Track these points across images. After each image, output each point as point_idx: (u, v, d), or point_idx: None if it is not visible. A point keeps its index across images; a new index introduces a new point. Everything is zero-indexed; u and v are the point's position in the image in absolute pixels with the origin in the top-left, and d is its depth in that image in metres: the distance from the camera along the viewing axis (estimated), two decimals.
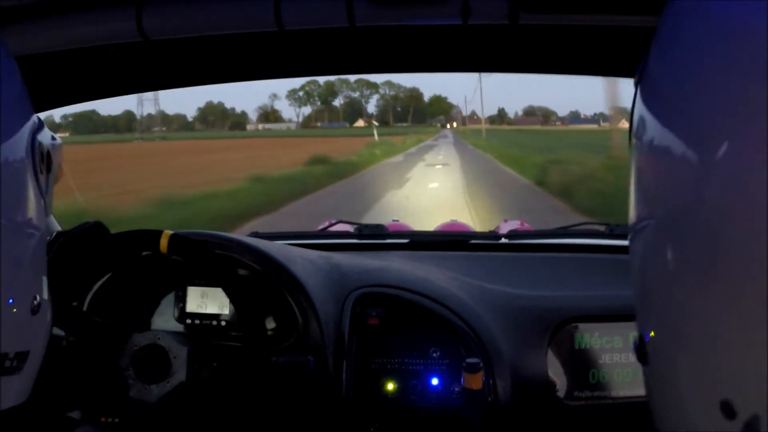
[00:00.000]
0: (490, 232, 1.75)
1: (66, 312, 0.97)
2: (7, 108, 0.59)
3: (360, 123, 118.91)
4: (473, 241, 1.57)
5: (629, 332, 1.13)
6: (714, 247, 0.36)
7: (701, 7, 0.40)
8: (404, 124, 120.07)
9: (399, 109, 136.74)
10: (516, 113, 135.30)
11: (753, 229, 0.33)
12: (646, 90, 0.47)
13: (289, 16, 0.77)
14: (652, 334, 0.47)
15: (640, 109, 0.47)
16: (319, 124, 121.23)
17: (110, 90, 1.10)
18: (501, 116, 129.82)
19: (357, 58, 1.02)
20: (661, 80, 0.44)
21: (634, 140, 0.48)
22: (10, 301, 0.58)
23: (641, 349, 0.49)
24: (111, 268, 1.11)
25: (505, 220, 2.00)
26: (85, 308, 1.10)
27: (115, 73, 1.04)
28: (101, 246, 0.94)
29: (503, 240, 1.57)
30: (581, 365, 1.13)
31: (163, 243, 0.93)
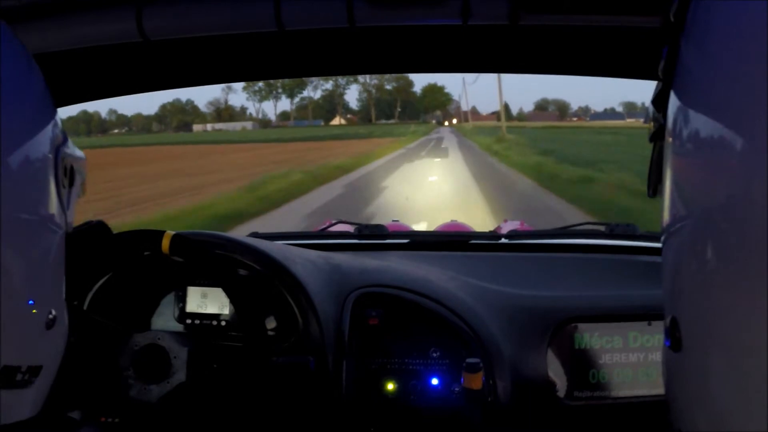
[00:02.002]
0: (491, 232, 1.75)
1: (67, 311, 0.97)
2: (29, 112, 0.59)
3: (337, 121, 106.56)
4: (473, 242, 1.57)
5: (629, 332, 1.13)
6: (758, 245, 0.36)
7: None
8: (390, 122, 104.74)
9: (384, 102, 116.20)
10: (520, 109, 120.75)
11: None
12: (681, 87, 0.46)
13: (290, 17, 0.77)
14: (682, 337, 0.47)
15: (676, 106, 0.46)
16: (288, 123, 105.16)
17: (110, 90, 1.10)
18: (506, 112, 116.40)
19: (357, 59, 1.02)
20: (700, 76, 0.44)
21: (669, 138, 0.48)
22: (27, 312, 0.58)
23: (674, 339, 0.48)
24: (112, 267, 1.11)
25: (506, 220, 2.01)
26: (85, 308, 1.10)
27: (115, 74, 1.04)
28: (103, 246, 0.94)
29: (503, 240, 1.57)
30: (581, 365, 1.13)
31: (165, 243, 0.93)
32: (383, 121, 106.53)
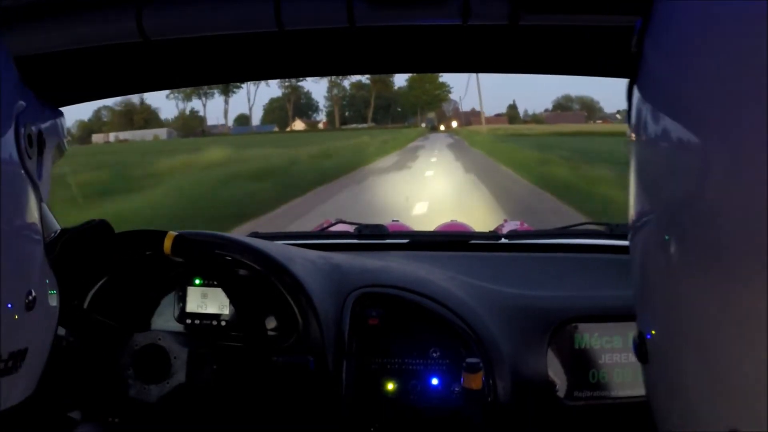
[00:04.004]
0: (491, 232, 1.75)
1: (67, 310, 0.97)
2: None
3: (298, 125, 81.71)
4: (473, 242, 1.57)
5: (629, 332, 1.13)
6: (715, 239, 0.36)
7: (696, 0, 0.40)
8: (362, 126, 76.34)
9: (360, 101, 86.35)
10: (525, 111, 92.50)
11: (754, 221, 0.33)
12: (644, 85, 0.47)
13: (290, 17, 0.77)
14: (653, 332, 0.47)
15: (640, 104, 0.47)
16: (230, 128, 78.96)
17: (110, 90, 1.10)
18: (514, 113, 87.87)
19: (357, 59, 1.02)
20: (660, 74, 0.44)
21: (633, 136, 0.48)
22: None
23: (641, 348, 0.49)
24: (113, 267, 1.11)
25: (506, 221, 2.00)
26: (85, 307, 1.10)
27: (115, 74, 1.04)
28: (105, 245, 0.94)
29: (503, 240, 1.57)
30: (581, 365, 1.13)
31: (167, 244, 0.93)
32: (354, 126, 78.46)
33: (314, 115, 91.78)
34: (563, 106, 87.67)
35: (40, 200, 0.64)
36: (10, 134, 0.59)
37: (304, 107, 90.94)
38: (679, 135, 0.40)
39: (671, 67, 0.42)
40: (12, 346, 0.58)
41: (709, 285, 0.37)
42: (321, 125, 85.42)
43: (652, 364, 0.48)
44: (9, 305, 0.57)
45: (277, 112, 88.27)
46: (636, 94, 0.48)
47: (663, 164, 0.42)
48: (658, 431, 0.49)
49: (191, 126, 78.70)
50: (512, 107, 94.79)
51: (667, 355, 0.45)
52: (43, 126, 0.65)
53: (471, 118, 78.13)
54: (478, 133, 41.98)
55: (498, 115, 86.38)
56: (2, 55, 0.61)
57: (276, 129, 78.91)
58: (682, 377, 0.42)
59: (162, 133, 67.91)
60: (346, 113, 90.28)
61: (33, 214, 0.62)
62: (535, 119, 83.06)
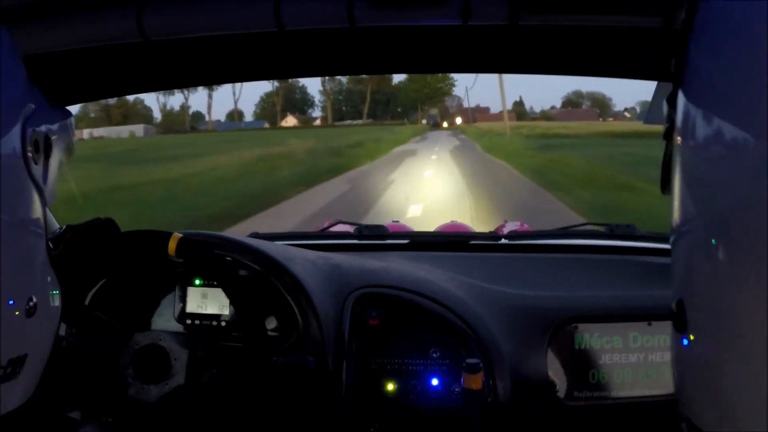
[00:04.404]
0: (491, 232, 1.75)
1: (68, 307, 0.97)
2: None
3: (289, 121, 76.35)
4: (473, 242, 1.57)
5: (629, 332, 1.13)
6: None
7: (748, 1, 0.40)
8: (356, 122, 71.68)
9: (357, 95, 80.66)
10: (530, 107, 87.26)
11: None
12: (692, 89, 0.46)
13: (290, 17, 0.77)
14: (692, 336, 0.47)
15: (686, 106, 0.46)
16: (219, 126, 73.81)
17: (110, 90, 1.10)
18: (521, 110, 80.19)
19: (357, 59, 1.02)
20: (709, 77, 0.44)
21: (679, 140, 0.48)
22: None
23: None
24: (117, 266, 1.11)
25: (506, 221, 2.00)
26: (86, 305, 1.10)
27: (115, 74, 1.04)
28: (110, 244, 0.94)
29: (503, 240, 1.57)
30: (581, 365, 1.13)
31: (172, 245, 0.93)
32: (348, 122, 74.38)
33: (310, 110, 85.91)
34: (573, 103, 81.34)
35: (44, 204, 0.64)
36: (17, 139, 0.59)
37: (299, 102, 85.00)
38: (733, 138, 0.39)
39: (723, 69, 0.42)
40: (12, 352, 0.58)
41: (758, 290, 0.37)
42: (319, 121, 79.66)
43: (692, 366, 0.47)
44: (9, 312, 0.57)
45: (270, 109, 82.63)
46: (682, 97, 0.48)
47: (714, 168, 0.42)
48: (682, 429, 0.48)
49: (173, 122, 71.60)
50: (519, 104, 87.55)
51: (709, 358, 0.45)
52: (51, 128, 0.65)
53: (477, 114, 71.95)
54: (493, 133, 31.61)
55: (501, 112, 74.48)
56: (11, 54, 0.61)
57: (266, 125, 73.33)
58: (724, 380, 0.42)
59: (138, 129, 62.09)
60: (344, 108, 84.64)
61: (36, 220, 0.61)
62: (545, 116, 74.19)
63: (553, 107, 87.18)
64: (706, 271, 0.43)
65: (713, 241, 0.42)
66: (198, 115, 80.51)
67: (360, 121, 72.96)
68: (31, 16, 0.78)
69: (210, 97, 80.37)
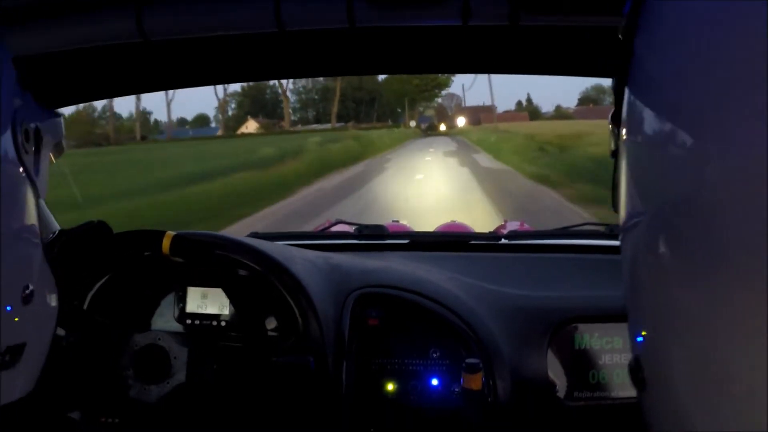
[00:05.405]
0: (490, 232, 1.75)
1: (67, 311, 0.97)
2: None
3: (250, 126, 60.71)
4: (473, 242, 1.57)
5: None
6: (710, 240, 0.36)
7: None
8: (324, 126, 55.03)
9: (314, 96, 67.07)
10: (534, 108, 70.13)
11: (751, 222, 0.33)
12: (637, 85, 0.46)
13: (290, 17, 0.77)
14: (644, 333, 0.47)
15: (633, 104, 0.46)
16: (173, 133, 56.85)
17: (110, 90, 1.10)
18: (532, 108, 69.19)
19: (357, 59, 1.02)
20: (654, 74, 0.44)
21: (625, 136, 0.48)
22: None
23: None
24: (112, 267, 1.11)
25: (506, 221, 2.00)
26: (85, 307, 1.10)
27: (115, 74, 1.04)
28: (104, 245, 0.94)
29: (503, 241, 1.57)
30: (581, 366, 1.13)
31: (166, 244, 0.93)
32: (315, 126, 59.02)
33: (281, 111, 66.82)
34: (593, 99, 66.34)
35: (37, 196, 0.64)
36: (8, 131, 0.59)
37: (270, 103, 69.88)
38: (675, 134, 0.40)
39: (665, 66, 0.42)
40: (9, 340, 0.58)
41: (702, 286, 0.37)
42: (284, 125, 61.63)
43: (644, 365, 0.48)
44: (5, 299, 0.57)
45: (235, 111, 68.23)
46: (627, 93, 0.48)
47: (657, 164, 0.42)
48: None
49: (81, 129, 45.98)
50: (529, 101, 78.01)
51: (658, 357, 0.45)
52: (41, 125, 0.65)
53: (481, 114, 60.14)
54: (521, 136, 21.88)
55: (506, 112, 68.76)
56: (2, 55, 0.61)
57: (220, 132, 60.43)
58: (674, 379, 0.42)
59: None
60: (320, 109, 68.87)
61: (30, 210, 0.62)
62: (560, 114, 62.08)
63: (559, 107, 74.09)
64: (651, 267, 0.43)
65: (658, 237, 0.42)
66: (146, 123, 63.88)
67: (328, 125, 57.22)
68: (31, 16, 0.78)
69: (167, 94, 58.57)
